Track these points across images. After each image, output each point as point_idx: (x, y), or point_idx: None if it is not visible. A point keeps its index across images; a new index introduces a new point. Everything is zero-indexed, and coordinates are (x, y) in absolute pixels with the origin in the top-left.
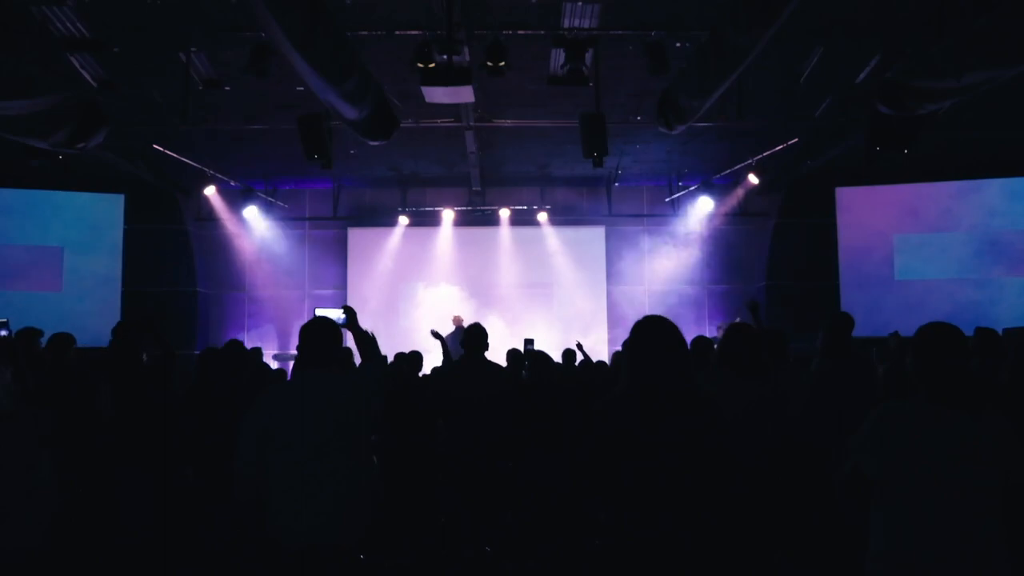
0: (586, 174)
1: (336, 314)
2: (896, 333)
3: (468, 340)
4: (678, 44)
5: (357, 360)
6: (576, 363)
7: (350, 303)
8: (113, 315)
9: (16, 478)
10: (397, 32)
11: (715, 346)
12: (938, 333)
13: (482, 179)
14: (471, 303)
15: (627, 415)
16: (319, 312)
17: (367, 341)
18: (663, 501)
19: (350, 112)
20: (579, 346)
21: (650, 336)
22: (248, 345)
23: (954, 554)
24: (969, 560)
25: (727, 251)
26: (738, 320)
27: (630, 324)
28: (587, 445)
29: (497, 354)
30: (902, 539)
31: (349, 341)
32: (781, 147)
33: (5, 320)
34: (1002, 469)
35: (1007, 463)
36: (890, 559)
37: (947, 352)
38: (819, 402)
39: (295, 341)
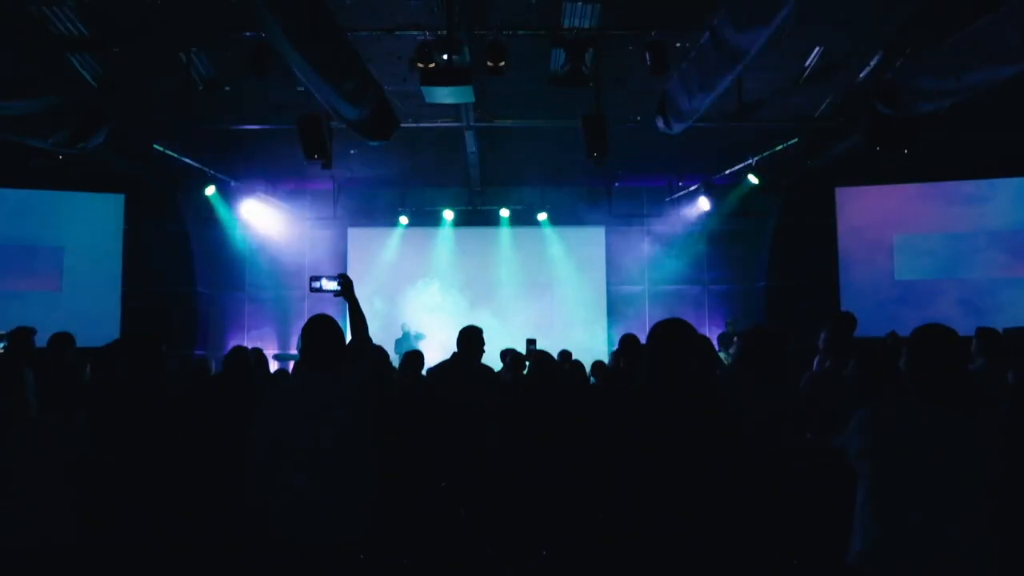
0: (586, 174)
1: (332, 285)
2: (893, 332)
3: (462, 342)
4: (678, 44)
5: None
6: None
7: None
8: (113, 315)
9: (42, 479)
10: (397, 32)
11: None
12: (928, 334)
13: (482, 179)
14: (471, 303)
15: (649, 417)
16: (314, 281)
17: (360, 316)
18: (689, 503)
19: (350, 112)
20: (531, 342)
21: (669, 339)
22: (248, 345)
23: (943, 550)
24: (958, 555)
25: (727, 251)
26: (731, 324)
27: (630, 324)
28: (611, 447)
29: (495, 353)
30: (892, 535)
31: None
32: (781, 147)
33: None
34: (992, 466)
35: (997, 460)
36: (880, 556)
37: (936, 353)
38: (821, 402)
39: (295, 341)
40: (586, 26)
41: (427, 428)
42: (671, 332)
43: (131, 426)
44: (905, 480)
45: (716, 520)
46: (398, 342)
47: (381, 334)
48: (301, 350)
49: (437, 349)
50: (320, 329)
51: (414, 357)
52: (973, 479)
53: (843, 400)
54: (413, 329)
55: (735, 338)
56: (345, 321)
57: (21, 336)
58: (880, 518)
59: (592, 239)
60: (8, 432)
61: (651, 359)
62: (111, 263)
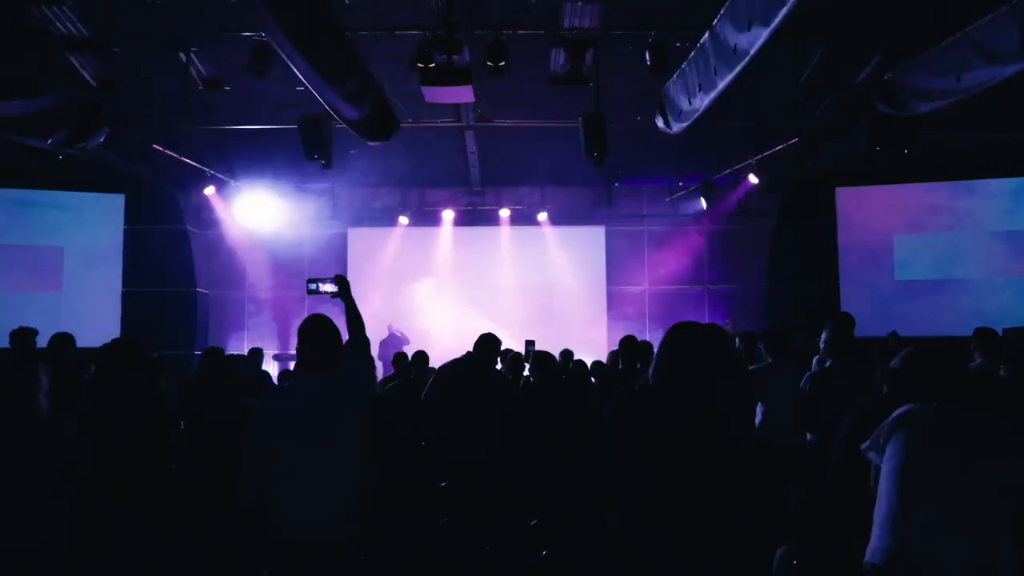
0: (586, 174)
1: (329, 288)
2: (894, 332)
3: (479, 346)
4: (678, 44)
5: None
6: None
7: None
8: (113, 315)
9: (44, 480)
10: (397, 32)
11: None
12: (946, 344)
13: (482, 179)
14: (470, 303)
15: (651, 418)
16: (311, 284)
17: (356, 315)
18: (690, 503)
19: (350, 112)
20: (530, 343)
21: (678, 342)
22: (248, 345)
23: (962, 554)
24: (976, 559)
25: (727, 251)
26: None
27: (630, 324)
28: (606, 447)
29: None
30: (916, 535)
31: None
32: (781, 147)
33: None
34: (1012, 470)
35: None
36: (897, 558)
37: (944, 355)
38: (822, 402)
39: (295, 341)
40: (586, 26)
41: (429, 427)
42: (682, 336)
43: (130, 428)
44: (930, 481)
45: (717, 520)
46: (383, 343)
47: (382, 334)
48: (298, 351)
49: (438, 349)
50: (316, 329)
51: (423, 357)
52: (994, 482)
53: (844, 400)
54: (400, 331)
55: (736, 338)
56: (344, 321)
57: (24, 337)
58: (905, 518)
59: (592, 239)
60: (15, 432)
61: (658, 359)
62: (111, 263)
